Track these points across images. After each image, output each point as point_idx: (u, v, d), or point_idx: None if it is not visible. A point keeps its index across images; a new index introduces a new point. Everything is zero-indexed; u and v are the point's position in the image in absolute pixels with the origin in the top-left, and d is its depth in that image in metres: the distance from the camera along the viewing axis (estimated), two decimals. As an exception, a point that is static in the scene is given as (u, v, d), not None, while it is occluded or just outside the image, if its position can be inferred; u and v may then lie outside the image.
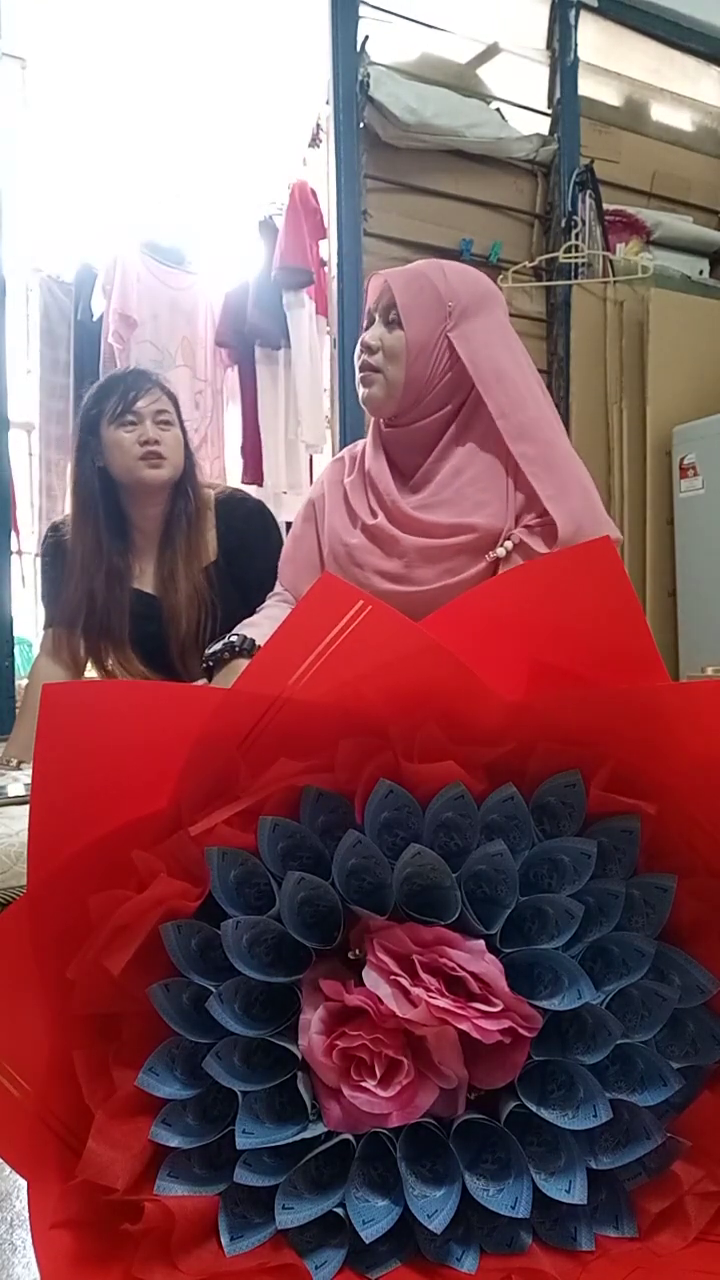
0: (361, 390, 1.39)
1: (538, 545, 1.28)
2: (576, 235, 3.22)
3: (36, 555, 3.39)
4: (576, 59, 3.42)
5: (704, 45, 3.75)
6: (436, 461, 1.36)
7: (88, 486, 1.66)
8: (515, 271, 3.21)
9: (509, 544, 1.28)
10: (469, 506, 1.31)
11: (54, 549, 1.74)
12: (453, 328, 1.34)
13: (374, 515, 1.38)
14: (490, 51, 3.32)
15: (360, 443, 1.50)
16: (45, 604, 1.78)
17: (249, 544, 1.68)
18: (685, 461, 3.12)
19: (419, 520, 1.32)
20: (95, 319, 3.21)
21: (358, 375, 1.39)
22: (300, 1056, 0.80)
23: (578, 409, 3.17)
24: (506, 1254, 0.77)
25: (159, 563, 1.68)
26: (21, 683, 2.72)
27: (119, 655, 1.65)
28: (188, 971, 0.81)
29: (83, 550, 1.65)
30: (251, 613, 1.51)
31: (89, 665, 1.70)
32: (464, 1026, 0.77)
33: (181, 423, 1.69)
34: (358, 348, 1.39)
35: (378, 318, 1.37)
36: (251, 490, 2.99)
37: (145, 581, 1.69)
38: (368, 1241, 0.75)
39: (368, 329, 1.39)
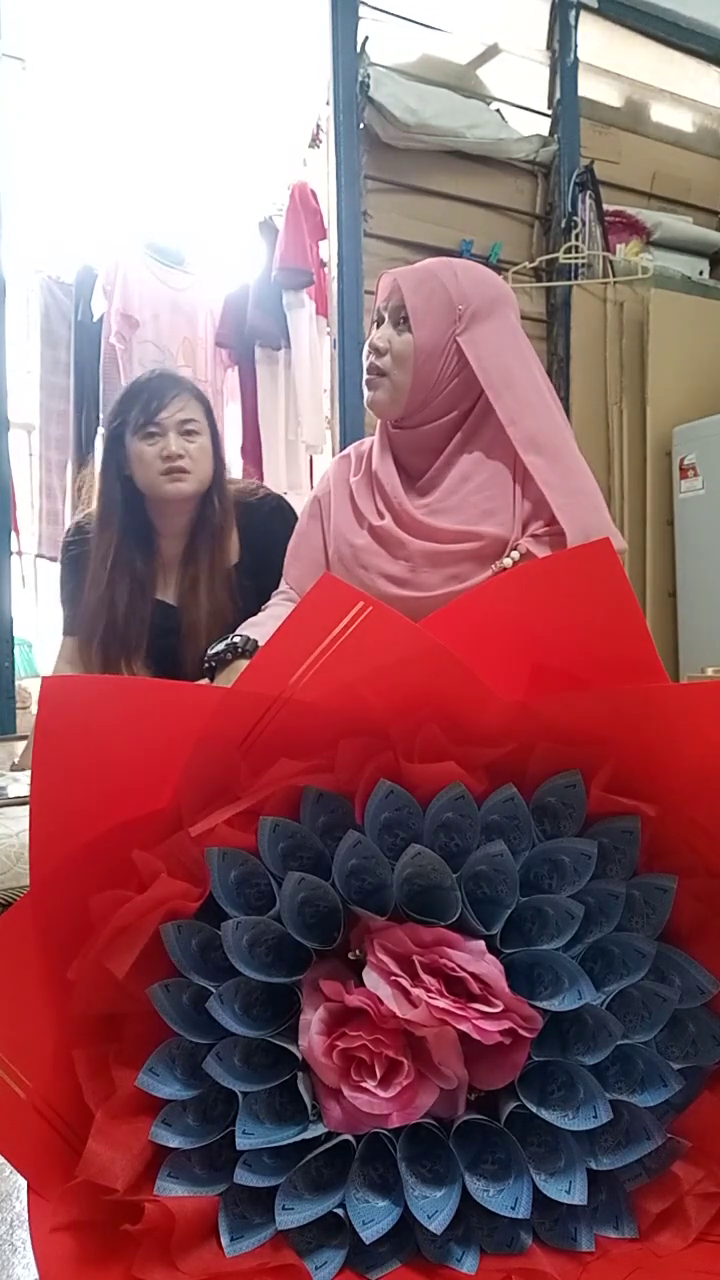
0: (367, 393, 1.37)
1: (544, 554, 1.27)
2: (576, 236, 3.22)
3: (36, 555, 3.39)
4: (576, 59, 3.42)
5: (704, 45, 3.74)
6: (444, 466, 1.35)
7: (110, 496, 1.62)
8: (515, 272, 3.21)
9: (515, 554, 1.27)
10: (476, 515, 1.30)
11: (76, 553, 1.69)
12: (462, 331, 1.31)
13: (381, 516, 1.37)
14: (490, 52, 3.31)
15: (366, 440, 1.48)
16: (64, 609, 1.74)
17: (271, 548, 1.63)
18: (685, 462, 3.12)
19: (426, 524, 1.31)
20: (95, 320, 3.21)
21: (364, 376, 1.38)
22: (300, 1057, 0.80)
23: (578, 409, 3.17)
24: (506, 1254, 0.78)
25: (182, 574, 1.64)
26: (22, 683, 2.72)
27: (133, 666, 1.61)
28: (188, 972, 0.81)
29: (99, 559, 1.61)
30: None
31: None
32: (464, 1027, 0.77)
33: (214, 427, 1.64)
34: (365, 347, 1.38)
35: (386, 318, 1.35)
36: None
37: (168, 592, 1.65)
38: (368, 1242, 0.75)
39: (376, 328, 1.38)
